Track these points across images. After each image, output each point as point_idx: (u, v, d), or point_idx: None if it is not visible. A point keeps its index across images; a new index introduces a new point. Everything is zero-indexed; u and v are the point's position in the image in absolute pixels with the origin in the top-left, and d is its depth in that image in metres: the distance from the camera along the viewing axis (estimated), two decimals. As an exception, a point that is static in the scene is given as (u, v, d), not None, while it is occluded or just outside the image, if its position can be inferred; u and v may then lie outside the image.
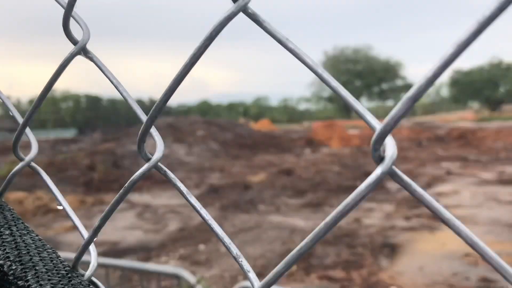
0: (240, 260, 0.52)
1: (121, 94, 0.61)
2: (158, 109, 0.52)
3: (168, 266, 6.05)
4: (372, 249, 6.83)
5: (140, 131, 0.56)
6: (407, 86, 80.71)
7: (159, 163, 0.57)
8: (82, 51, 0.62)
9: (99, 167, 15.99)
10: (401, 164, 17.78)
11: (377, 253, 6.69)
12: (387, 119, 0.35)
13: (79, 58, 0.64)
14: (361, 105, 0.42)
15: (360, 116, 0.41)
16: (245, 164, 18.77)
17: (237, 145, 24.27)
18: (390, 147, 0.37)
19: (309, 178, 13.75)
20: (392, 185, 12.63)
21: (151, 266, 4.97)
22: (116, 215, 10.29)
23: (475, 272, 5.67)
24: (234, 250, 0.52)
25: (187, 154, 21.08)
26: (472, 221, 8.31)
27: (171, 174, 0.59)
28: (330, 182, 13.01)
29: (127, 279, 4.98)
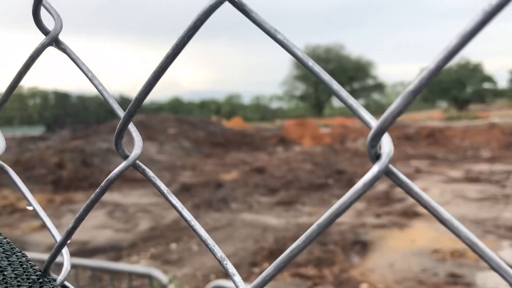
0: (225, 263, 0.50)
1: (97, 88, 0.58)
2: (137, 103, 0.49)
3: (139, 266, 5.97)
4: (343, 247, 6.88)
5: (117, 127, 0.53)
6: (378, 86, 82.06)
7: (138, 161, 0.54)
8: (54, 41, 0.58)
9: (68, 165, 15.66)
10: (371, 162, 17.98)
11: (348, 250, 6.75)
12: (385, 114, 0.33)
13: (51, 50, 0.60)
14: (355, 101, 0.40)
15: (354, 112, 0.39)
16: (218, 162, 18.70)
17: (209, 143, 24.15)
18: (386, 144, 0.35)
19: (281, 176, 13.80)
20: (363, 183, 12.76)
21: (122, 266, 4.89)
22: (85, 214, 10.11)
23: (443, 268, 5.78)
24: (219, 252, 0.50)
25: (158, 152, 20.87)
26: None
27: (150, 173, 0.56)
28: (302, 180, 13.08)
29: (98, 279, 4.88)
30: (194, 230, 0.53)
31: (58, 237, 0.59)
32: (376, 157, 0.35)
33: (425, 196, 0.35)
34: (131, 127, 0.53)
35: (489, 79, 75.44)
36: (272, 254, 6.63)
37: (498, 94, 76.58)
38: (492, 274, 5.54)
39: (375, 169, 0.35)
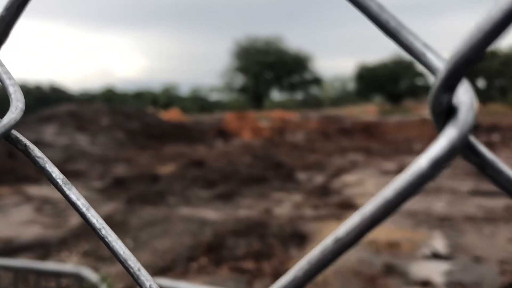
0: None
1: None
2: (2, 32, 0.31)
3: (67, 265, 5.63)
4: (282, 239, 6.86)
5: None
6: (316, 80, 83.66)
7: (15, 132, 0.36)
8: None
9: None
10: (310, 154, 18.31)
11: (287, 243, 6.74)
12: (462, 47, 0.21)
13: None
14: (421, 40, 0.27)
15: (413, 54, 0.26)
16: (154, 154, 18.25)
17: (145, 135, 23.55)
18: (464, 94, 0.22)
19: (220, 169, 13.65)
20: (301, 176, 12.91)
21: (48, 265, 4.56)
22: (10, 209, 9.47)
23: (379, 259, 5.88)
24: (147, 281, 0.34)
25: (90, 144, 20.08)
26: (376, 209, 8.68)
27: (36, 151, 0.37)
28: (241, 173, 13.00)
29: (23, 279, 4.53)
30: (106, 244, 0.39)
31: None
32: (448, 113, 0.23)
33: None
34: (6, 76, 0.35)
35: (421, 75, 79.14)
36: (210, 249, 6.49)
37: (429, 90, 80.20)
38: (425, 263, 5.70)
39: (451, 133, 0.22)
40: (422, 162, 0.23)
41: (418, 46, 0.28)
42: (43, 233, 7.82)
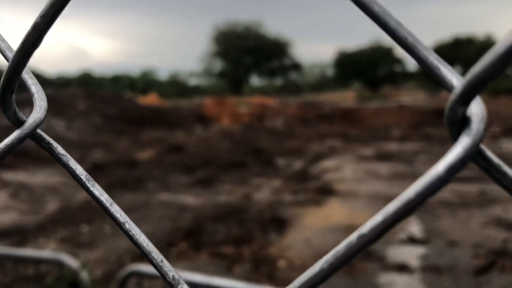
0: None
1: None
2: (37, 36, 0.31)
3: (46, 251, 5.57)
4: (261, 224, 6.91)
5: (4, 75, 0.34)
6: (296, 65, 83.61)
7: (39, 131, 0.36)
8: None
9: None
10: (289, 140, 18.38)
11: (266, 228, 6.78)
12: (477, 68, 0.23)
13: None
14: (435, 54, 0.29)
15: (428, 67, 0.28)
16: (132, 140, 18.08)
17: (123, 120, 23.28)
18: (476, 106, 0.25)
19: (199, 155, 13.61)
20: (280, 162, 12.98)
21: (27, 251, 4.50)
22: (-16, 195, 9.29)
23: (357, 243, 5.98)
24: (170, 271, 0.35)
25: (67, 129, 19.77)
26: (354, 194, 8.80)
27: (59, 149, 0.37)
28: (221, 158, 12.99)
29: (0, 266, 4.47)
30: (130, 237, 0.41)
31: None
32: (460, 126, 0.25)
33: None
34: (28, 76, 0.34)
35: (399, 62, 79.86)
36: (190, 234, 6.50)
37: (407, 76, 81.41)
38: (402, 248, 5.82)
39: (465, 141, 0.25)
40: (439, 167, 0.25)
41: (433, 60, 0.29)
42: (20, 219, 7.71)
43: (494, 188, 9.09)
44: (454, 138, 0.26)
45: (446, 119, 0.25)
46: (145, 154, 13.82)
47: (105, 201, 0.39)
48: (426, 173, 0.26)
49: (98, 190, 0.36)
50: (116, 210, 0.39)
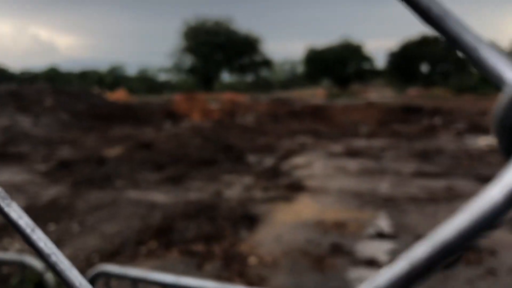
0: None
1: None
2: None
3: (9, 252, 5.40)
4: (232, 221, 6.89)
5: None
6: (266, 62, 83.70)
7: None
8: None
9: None
10: (260, 137, 18.39)
11: (237, 225, 6.77)
12: None
13: None
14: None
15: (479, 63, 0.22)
16: (100, 136, 17.75)
17: (90, 116, 22.83)
18: None
19: (169, 152, 13.47)
20: (251, 158, 12.97)
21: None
22: None
23: (327, 239, 6.02)
24: None
25: (33, 126, 19.26)
26: (324, 190, 8.87)
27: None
28: (191, 155, 12.89)
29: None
30: (58, 273, 0.32)
31: None
32: None
33: None
34: None
35: (368, 59, 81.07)
36: (160, 232, 6.42)
37: (376, 74, 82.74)
38: (370, 243, 5.89)
39: None
40: (494, 192, 0.18)
41: (483, 50, 0.22)
42: (-18, 218, 7.46)
43: (460, 184, 9.33)
44: (508, 149, 0.19)
45: (497, 124, 0.19)
46: (113, 151, 13.59)
47: (24, 226, 0.31)
48: (474, 199, 0.19)
49: (16, 212, 0.29)
50: (40, 238, 0.31)
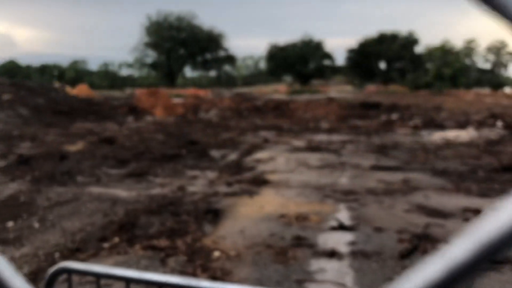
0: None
1: None
2: None
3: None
4: (196, 216, 6.92)
5: None
6: (230, 58, 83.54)
7: None
8: None
9: None
10: (223, 132, 18.43)
11: (201, 220, 6.80)
12: None
13: None
14: None
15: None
16: (61, 132, 17.38)
17: (51, 111, 22.29)
18: None
19: (132, 147, 13.35)
20: (215, 153, 13.02)
21: None
22: None
23: (289, 231, 6.14)
24: None
25: (-10, 121, 18.65)
26: (287, 184, 9.02)
27: None
28: (154, 151, 12.82)
29: None
30: None
31: None
32: None
33: None
34: None
35: (329, 56, 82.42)
36: (123, 228, 6.39)
37: (336, 70, 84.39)
38: (332, 235, 6.06)
39: None
40: None
41: None
42: None
43: (416, 177, 9.67)
44: None
45: None
46: (75, 147, 13.35)
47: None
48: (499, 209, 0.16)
49: None
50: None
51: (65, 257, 5.29)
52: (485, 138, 16.10)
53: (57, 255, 5.56)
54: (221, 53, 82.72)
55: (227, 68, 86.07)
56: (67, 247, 5.83)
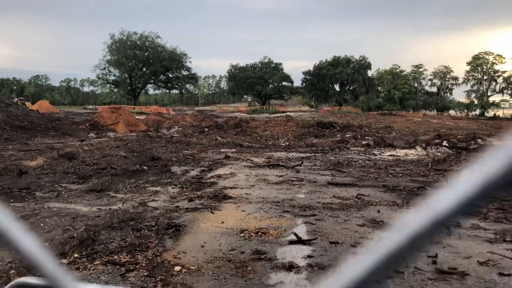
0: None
1: None
2: None
3: None
4: (157, 231, 6.98)
5: None
6: (191, 77, 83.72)
7: None
8: None
9: None
10: (185, 148, 18.48)
11: (162, 235, 6.87)
12: None
13: None
14: None
15: None
16: (20, 147, 17.01)
17: (9, 126, 21.76)
18: None
19: (93, 163, 13.24)
20: (176, 169, 13.08)
21: None
22: None
23: (249, 246, 6.30)
24: None
25: None
26: (247, 199, 9.20)
27: None
28: (116, 166, 12.77)
29: None
30: None
31: None
32: None
33: None
34: None
35: (287, 78, 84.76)
36: (82, 243, 6.39)
37: (293, 91, 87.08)
38: (290, 248, 6.26)
39: None
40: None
41: None
42: None
43: (369, 193, 10.06)
44: None
45: None
46: (34, 162, 13.13)
47: None
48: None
49: None
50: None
51: (21, 275, 5.26)
52: (432, 157, 16.87)
53: (14, 272, 5.52)
54: (184, 72, 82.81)
55: (189, 87, 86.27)
56: (24, 264, 5.77)
